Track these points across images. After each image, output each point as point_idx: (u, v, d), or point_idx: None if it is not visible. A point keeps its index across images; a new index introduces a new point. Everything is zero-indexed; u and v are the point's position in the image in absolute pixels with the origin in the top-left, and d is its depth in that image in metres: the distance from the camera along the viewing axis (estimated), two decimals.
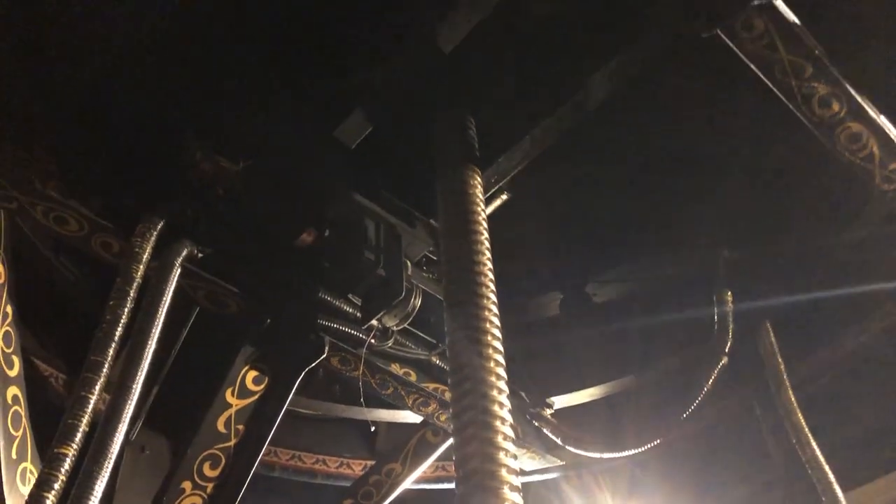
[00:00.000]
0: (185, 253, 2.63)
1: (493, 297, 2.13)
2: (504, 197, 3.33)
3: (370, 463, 4.50)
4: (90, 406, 2.15)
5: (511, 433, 1.87)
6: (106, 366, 2.23)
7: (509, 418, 1.88)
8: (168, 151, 2.70)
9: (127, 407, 2.21)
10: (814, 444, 3.14)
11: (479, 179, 2.52)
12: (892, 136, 2.41)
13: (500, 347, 2.03)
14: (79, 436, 2.10)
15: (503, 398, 1.91)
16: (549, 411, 3.83)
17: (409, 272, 2.94)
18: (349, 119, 2.69)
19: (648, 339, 4.13)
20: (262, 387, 2.96)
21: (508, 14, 2.54)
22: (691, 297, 3.81)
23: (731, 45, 2.22)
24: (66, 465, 2.06)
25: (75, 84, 2.62)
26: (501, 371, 1.97)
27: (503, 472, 1.76)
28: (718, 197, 3.55)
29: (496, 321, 2.08)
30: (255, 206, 2.79)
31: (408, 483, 3.70)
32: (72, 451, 2.07)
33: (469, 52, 2.60)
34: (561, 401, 3.89)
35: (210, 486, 2.88)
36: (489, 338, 2.02)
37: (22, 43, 2.56)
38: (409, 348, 3.26)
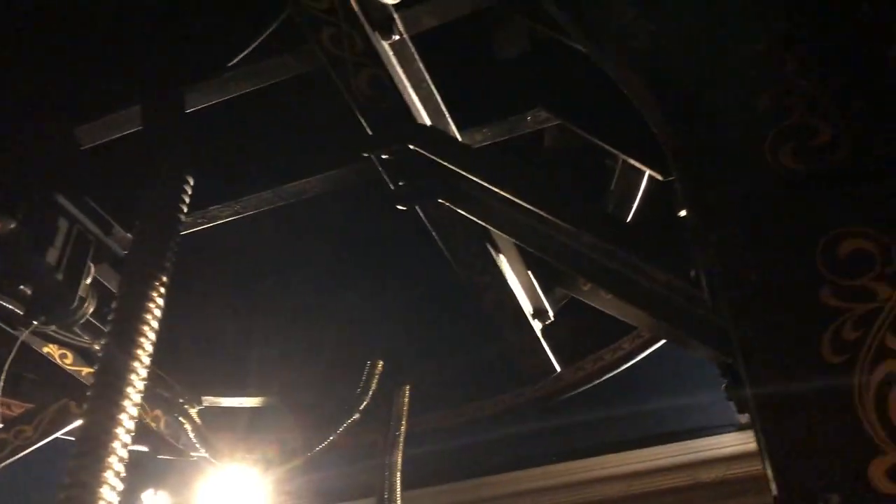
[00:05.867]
0: None
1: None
2: None
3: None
4: None
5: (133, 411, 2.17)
6: None
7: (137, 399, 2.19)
8: None
9: None
10: None
11: (178, 228, 2.69)
12: None
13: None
14: None
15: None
16: (196, 408, 4.11)
17: (90, 279, 3.02)
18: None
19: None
20: None
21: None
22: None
23: None
24: None
25: None
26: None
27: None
28: None
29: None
30: None
31: (35, 447, 3.74)
32: None
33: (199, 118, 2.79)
34: (208, 401, 4.16)
35: None
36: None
37: None
38: (74, 334, 3.33)
